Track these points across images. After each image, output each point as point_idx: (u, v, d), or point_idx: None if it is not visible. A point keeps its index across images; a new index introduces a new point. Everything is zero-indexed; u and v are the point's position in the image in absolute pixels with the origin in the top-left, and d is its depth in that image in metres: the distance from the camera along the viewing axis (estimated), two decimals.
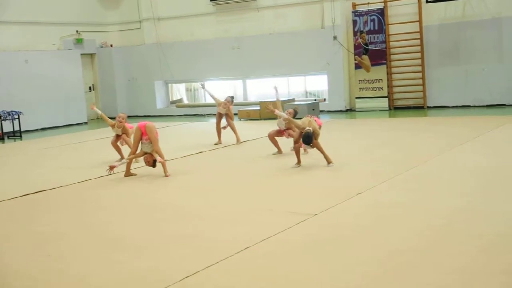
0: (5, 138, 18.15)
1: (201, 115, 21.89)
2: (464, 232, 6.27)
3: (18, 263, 6.19)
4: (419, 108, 19.00)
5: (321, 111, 19.53)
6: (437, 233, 6.36)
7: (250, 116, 19.33)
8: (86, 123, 21.79)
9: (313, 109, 18.71)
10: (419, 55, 18.88)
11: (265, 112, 18.63)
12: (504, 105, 17.84)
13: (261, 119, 18.89)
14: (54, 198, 9.34)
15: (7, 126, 18.27)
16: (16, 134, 18.31)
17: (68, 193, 9.62)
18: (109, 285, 5.39)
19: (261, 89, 21.94)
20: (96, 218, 7.90)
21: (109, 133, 17.30)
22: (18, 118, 18.27)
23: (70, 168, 11.95)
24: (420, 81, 18.93)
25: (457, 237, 6.14)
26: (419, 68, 18.92)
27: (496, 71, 17.90)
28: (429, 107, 18.92)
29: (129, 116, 22.80)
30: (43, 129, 20.30)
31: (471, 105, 18.14)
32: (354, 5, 19.68)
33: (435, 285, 5.01)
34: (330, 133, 13.94)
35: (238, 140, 13.87)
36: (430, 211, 7.12)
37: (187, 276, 5.37)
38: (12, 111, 18.24)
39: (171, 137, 15.94)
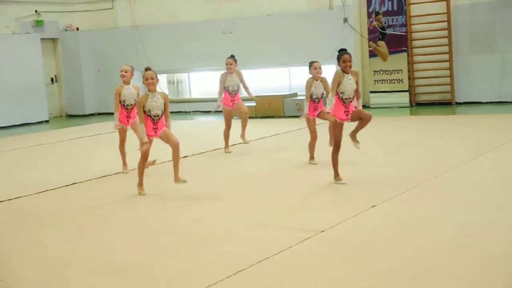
0: None
1: (186, 112, 21.93)
2: (491, 252, 6.28)
3: None
4: (446, 104, 19.09)
5: None
6: (462, 253, 6.38)
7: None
8: (47, 121, 21.81)
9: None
10: (446, 40, 18.94)
11: (262, 109, 18.72)
12: None
13: (257, 117, 18.92)
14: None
15: None
16: None
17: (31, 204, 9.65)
18: None
19: (257, 81, 22.02)
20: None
21: (77, 134, 17.45)
22: None
23: (31, 176, 11.89)
24: (448, 72, 18.98)
25: (482, 258, 6.15)
26: (446, 57, 18.97)
27: None
28: (458, 103, 19.00)
29: (99, 114, 23.15)
30: None
31: (509, 101, 18.23)
32: None
33: None
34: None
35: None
36: (457, 228, 7.15)
37: None
38: None
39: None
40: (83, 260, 6.91)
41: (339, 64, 9.19)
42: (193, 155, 13.21)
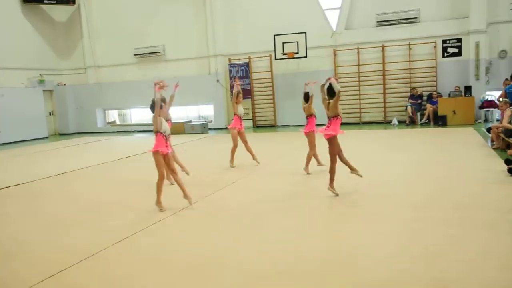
0: None
1: (129, 131, 21.82)
2: (290, 207, 6.44)
3: None
4: (272, 126, 19.64)
5: (210, 129, 20.07)
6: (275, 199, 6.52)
7: None
8: (47, 137, 21.12)
9: (204, 127, 19.24)
10: (271, 93, 19.58)
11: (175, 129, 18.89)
12: (323, 124, 18.95)
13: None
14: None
15: None
16: None
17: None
18: None
19: (171, 114, 22.16)
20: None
21: (65, 144, 17.22)
22: None
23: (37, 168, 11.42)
24: (272, 109, 19.64)
25: (285, 211, 6.24)
26: (272, 101, 19.61)
27: (317, 103, 18.74)
28: (278, 126, 19.61)
29: (77, 133, 22.64)
30: (16, 142, 19.51)
31: (303, 124, 19.06)
32: (229, 60, 20.09)
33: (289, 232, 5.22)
34: (216, 144, 14.49)
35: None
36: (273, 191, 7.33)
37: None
38: None
39: (105, 148, 15.93)
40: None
41: None
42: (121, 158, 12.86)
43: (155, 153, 6.50)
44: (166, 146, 6.57)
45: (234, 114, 10.09)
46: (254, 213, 6.22)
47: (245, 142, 9.89)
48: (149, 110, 7.09)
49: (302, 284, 3.91)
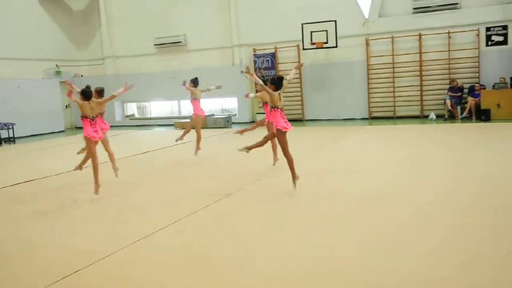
0: (2, 142, 17.12)
1: (149, 125, 21.28)
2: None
3: None
4: (299, 120, 19.14)
5: (233, 123, 19.46)
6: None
7: (183, 126, 18.96)
8: (63, 131, 20.83)
9: (228, 121, 18.65)
10: (299, 84, 19.05)
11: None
12: (354, 118, 18.37)
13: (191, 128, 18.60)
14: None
15: (3, 134, 17.37)
16: (11, 139, 17.29)
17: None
18: None
19: (191, 107, 21.61)
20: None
21: (78, 139, 16.70)
22: (12, 128, 17.30)
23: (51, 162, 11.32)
24: (300, 102, 19.12)
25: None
26: (299, 93, 19.11)
27: (348, 96, 18.36)
28: (306, 120, 19.10)
29: None
30: (32, 135, 19.22)
31: (333, 118, 18.53)
32: (254, 50, 19.70)
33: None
34: (240, 139, 13.84)
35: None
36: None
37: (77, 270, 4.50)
38: (7, 123, 17.28)
39: (124, 141, 15.47)
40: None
41: None
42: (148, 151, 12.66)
43: (85, 138, 7.18)
44: (95, 131, 7.17)
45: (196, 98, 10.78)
46: (273, 213, 6.25)
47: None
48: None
49: (309, 284, 3.97)
